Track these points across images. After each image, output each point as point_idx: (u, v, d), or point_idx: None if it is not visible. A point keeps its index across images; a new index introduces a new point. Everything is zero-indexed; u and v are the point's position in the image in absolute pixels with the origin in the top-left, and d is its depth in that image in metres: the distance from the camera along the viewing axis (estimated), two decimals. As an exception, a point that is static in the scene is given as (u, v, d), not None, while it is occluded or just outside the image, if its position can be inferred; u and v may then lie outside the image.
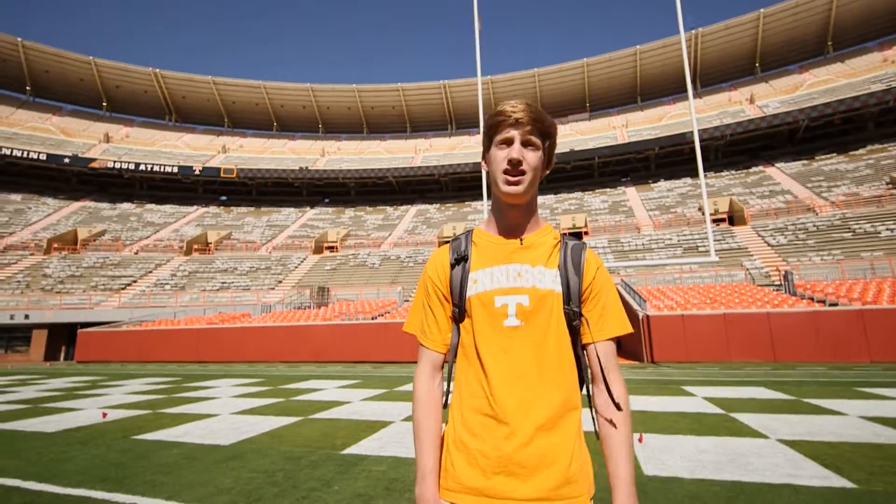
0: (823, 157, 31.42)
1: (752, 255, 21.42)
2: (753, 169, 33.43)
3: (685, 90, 46.14)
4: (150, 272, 28.97)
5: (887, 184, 24.61)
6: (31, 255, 29.17)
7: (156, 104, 50.04)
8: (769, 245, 22.07)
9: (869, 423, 4.92)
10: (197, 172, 40.51)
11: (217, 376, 12.36)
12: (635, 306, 14.41)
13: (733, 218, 27.12)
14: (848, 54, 40.77)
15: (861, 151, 30.08)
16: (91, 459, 4.22)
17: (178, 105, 50.61)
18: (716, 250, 22.18)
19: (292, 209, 42.66)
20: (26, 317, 21.80)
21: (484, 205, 12.10)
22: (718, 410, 5.87)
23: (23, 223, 33.21)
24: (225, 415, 6.42)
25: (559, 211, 34.55)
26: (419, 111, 51.34)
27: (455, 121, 51.84)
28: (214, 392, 8.98)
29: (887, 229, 20.02)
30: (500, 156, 1.01)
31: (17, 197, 36.68)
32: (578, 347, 1.04)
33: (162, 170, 40.11)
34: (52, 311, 22.58)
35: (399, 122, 52.83)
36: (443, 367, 1.07)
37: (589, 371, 1.05)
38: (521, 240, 1.06)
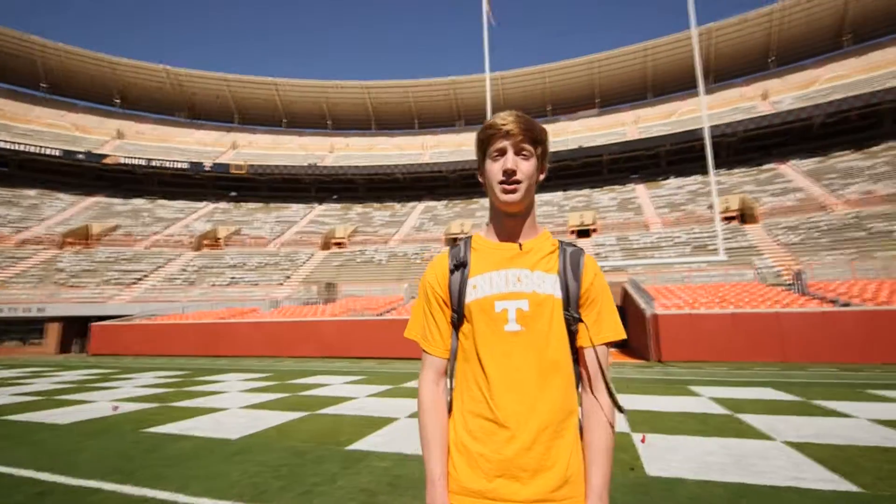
0: (838, 154, 30.82)
1: (762, 254, 21.13)
2: (766, 166, 32.92)
3: (697, 86, 45.40)
4: (161, 267, 29.37)
5: (904, 182, 24.09)
6: (46, 249, 29.72)
7: (168, 101, 50.53)
8: (781, 244, 21.76)
9: (878, 426, 4.86)
10: (207, 168, 40.91)
11: (226, 370, 12.52)
12: (643, 305, 14.31)
13: (744, 216, 26.76)
14: (865, 48, 39.82)
15: (877, 148, 29.44)
16: (102, 452, 4.32)
17: (189, 101, 51.05)
18: (725, 249, 21.89)
19: (301, 205, 42.92)
20: (40, 310, 22.24)
21: (491, 202, 12.05)
22: (725, 411, 5.83)
23: (37, 218, 33.80)
24: (233, 409, 6.51)
25: (567, 208, 34.34)
26: (427, 107, 51.26)
27: (463, 117, 51.68)
28: (223, 386, 9.11)
29: (903, 228, 19.64)
30: (496, 167, 1.04)
31: (32, 192, 37.29)
32: (573, 352, 1.06)
33: (173, 166, 40.58)
34: (65, 305, 23.02)
35: (407, 119, 52.80)
36: (446, 373, 1.09)
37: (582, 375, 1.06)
38: (521, 245, 1.07)
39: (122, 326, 20.66)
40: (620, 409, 0.99)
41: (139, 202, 40.40)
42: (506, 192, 1.03)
